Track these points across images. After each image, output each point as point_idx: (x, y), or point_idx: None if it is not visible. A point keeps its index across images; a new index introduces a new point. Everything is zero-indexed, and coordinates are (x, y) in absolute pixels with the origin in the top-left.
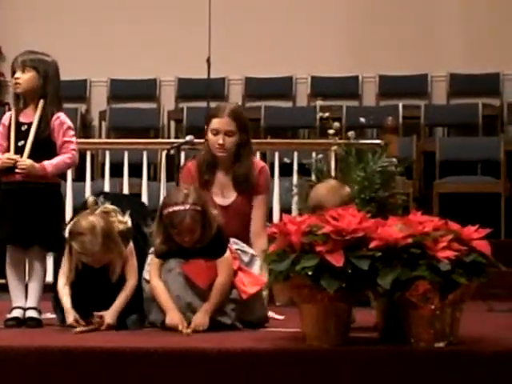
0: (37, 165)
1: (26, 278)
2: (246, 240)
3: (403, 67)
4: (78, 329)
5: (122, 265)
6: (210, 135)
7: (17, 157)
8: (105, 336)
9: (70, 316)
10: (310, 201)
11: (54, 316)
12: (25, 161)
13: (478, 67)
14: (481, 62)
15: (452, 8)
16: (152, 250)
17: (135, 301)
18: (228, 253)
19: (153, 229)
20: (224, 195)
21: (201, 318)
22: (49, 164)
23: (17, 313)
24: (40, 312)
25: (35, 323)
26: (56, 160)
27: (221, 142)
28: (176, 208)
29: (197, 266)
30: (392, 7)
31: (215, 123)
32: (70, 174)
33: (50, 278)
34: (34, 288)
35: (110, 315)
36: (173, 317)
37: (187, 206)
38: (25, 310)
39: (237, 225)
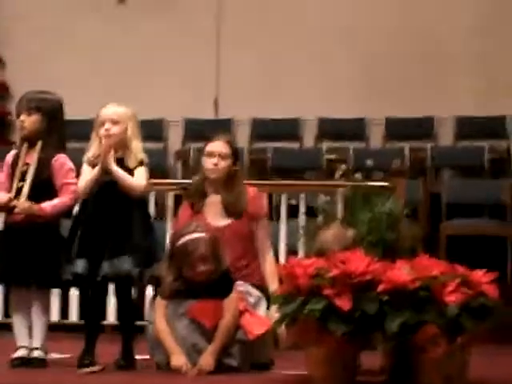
0: (35, 206)
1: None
2: (243, 263)
3: (410, 109)
4: (85, 369)
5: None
6: (204, 159)
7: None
8: (111, 377)
9: (181, 358)
10: (315, 246)
11: (59, 356)
12: (23, 202)
13: (484, 110)
14: (487, 105)
15: (459, 51)
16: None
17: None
18: (234, 293)
19: (162, 270)
20: (217, 218)
21: (207, 360)
22: (47, 205)
23: (22, 352)
24: (46, 352)
25: (40, 363)
26: (55, 201)
27: (215, 161)
28: (189, 237)
29: (203, 306)
30: (399, 50)
31: (210, 146)
32: None
33: (55, 318)
34: (38, 327)
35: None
36: (177, 359)
37: (200, 234)
38: (30, 349)
39: (232, 246)
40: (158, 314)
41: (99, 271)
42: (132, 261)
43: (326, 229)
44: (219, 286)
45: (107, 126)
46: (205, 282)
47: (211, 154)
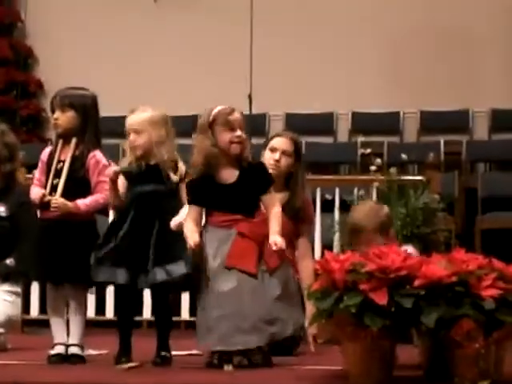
0: (69, 203)
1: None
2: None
3: (444, 103)
4: (123, 366)
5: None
6: (266, 153)
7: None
8: (148, 373)
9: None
10: (348, 223)
11: (96, 352)
12: (57, 199)
13: None
14: None
15: (493, 43)
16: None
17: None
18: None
19: (196, 141)
20: None
21: (276, 239)
22: (82, 203)
23: (59, 349)
24: (83, 348)
25: (78, 360)
26: (89, 199)
27: (277, 157)
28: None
29: (237, 253)
30: (433, 43)
31: (275, 142)
32: None
33: (91, 314)
34: (75, 324)
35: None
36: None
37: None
38: (67, 346)
39: None
40: (188, 218)
41: (146, 278)
42: (184, 264)
43: (358, 206)
44: (254, 177)
45: (131, 137)
46: (239, 155)
47: (274, 150)
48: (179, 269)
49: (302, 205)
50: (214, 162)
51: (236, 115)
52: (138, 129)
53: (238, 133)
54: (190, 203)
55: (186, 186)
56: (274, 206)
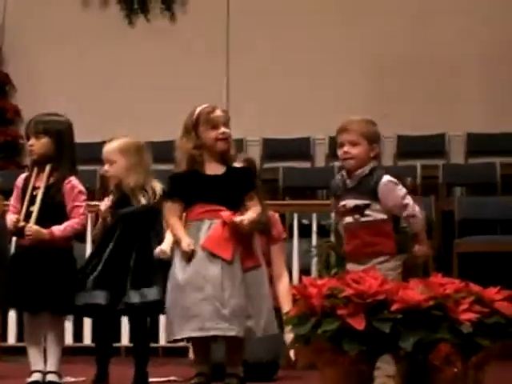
0: (44, 230)
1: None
2: None
3: (421, 127)
4: None
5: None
6: None
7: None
8: None
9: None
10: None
11: (73, 379)
12: (30, 226)
13: (495, 126)
14: (498, 121)
15: (470, 67)
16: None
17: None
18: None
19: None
20: None
21: (242, 220)
22: (56, 229)
23: (36, 377)
24: (60, 376)
25: None
26: (64, 225)
27: None
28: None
29: (216, 238)
30: (409, 67)
31: None
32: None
33: (69, 341)
34: (52, 352)
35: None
36: (187, 241)
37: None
38: (44, 373)
39: None
40: (169, 213)
41: (123, 299)
42: (159, 290)
43: None
44: (238, 174)
45: (105, 166)
46: (226, 153)
47: None
48: (153, 294)
49: (268, 221)
50: (199, 160)
51: (218, 113)
52: (109, 159)
53: (222, 129)
54: (170, 196)
55: (168, 180)
56: (256, 205)
